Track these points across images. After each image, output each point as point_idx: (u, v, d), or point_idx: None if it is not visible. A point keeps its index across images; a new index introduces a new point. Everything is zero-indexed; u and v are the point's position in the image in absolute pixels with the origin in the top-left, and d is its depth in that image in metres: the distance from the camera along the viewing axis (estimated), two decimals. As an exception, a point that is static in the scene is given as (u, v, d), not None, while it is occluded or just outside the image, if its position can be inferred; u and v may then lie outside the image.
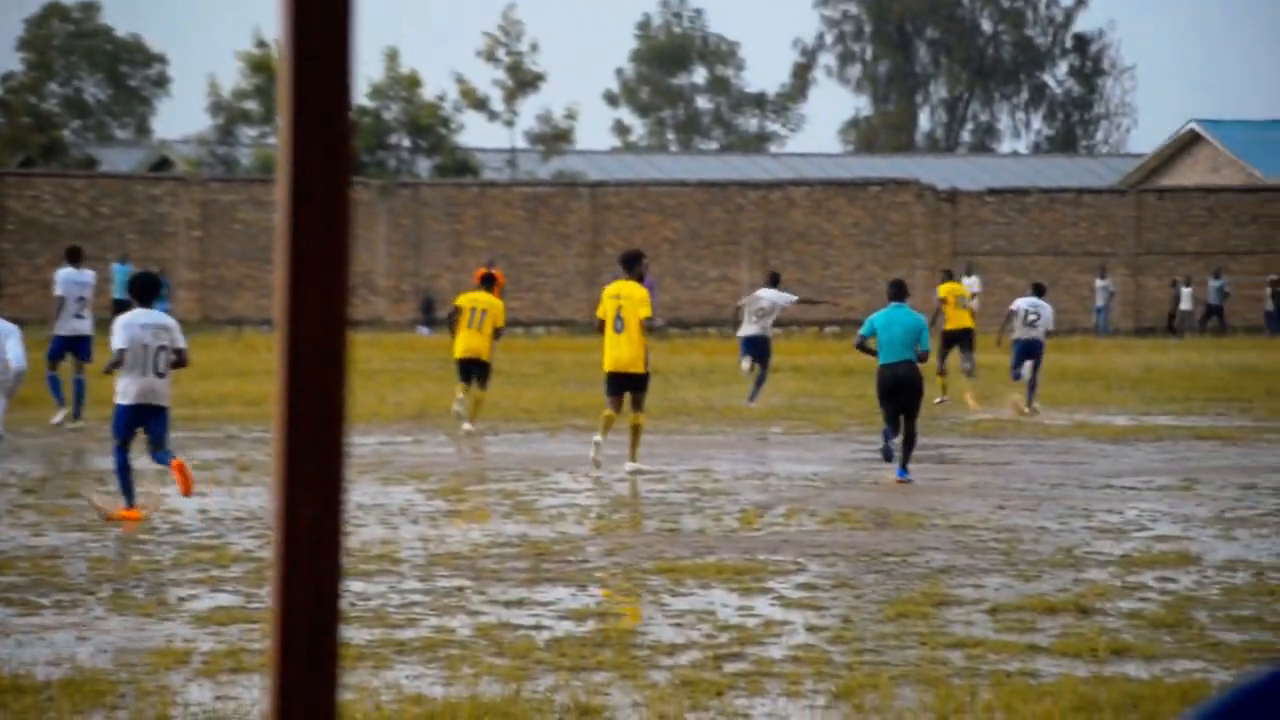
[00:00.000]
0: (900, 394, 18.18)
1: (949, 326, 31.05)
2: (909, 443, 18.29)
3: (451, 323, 24.63)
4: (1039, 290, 30.03)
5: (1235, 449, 21.99)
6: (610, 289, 19.42)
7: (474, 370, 24.28)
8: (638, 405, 19.26)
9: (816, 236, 58.74)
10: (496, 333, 24.46)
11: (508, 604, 11.51)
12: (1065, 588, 12.05)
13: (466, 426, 23.84)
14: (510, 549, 13.77)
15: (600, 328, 19.35)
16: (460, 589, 12.04)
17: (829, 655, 9.97)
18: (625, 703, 8.92)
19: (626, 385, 19.19)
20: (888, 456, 18.90)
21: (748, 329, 28.88)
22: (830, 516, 15.68)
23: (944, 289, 32.04)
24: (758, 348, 28.85)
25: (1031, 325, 28.65)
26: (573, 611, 11.23)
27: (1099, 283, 56.43)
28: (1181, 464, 20.28)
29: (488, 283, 25.15)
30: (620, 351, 19.09)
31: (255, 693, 9.08)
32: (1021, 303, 29.61)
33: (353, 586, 12.03)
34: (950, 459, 20.87)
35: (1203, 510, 16.23)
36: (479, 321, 24.31)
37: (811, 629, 10.71)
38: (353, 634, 10.47)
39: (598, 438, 19.25)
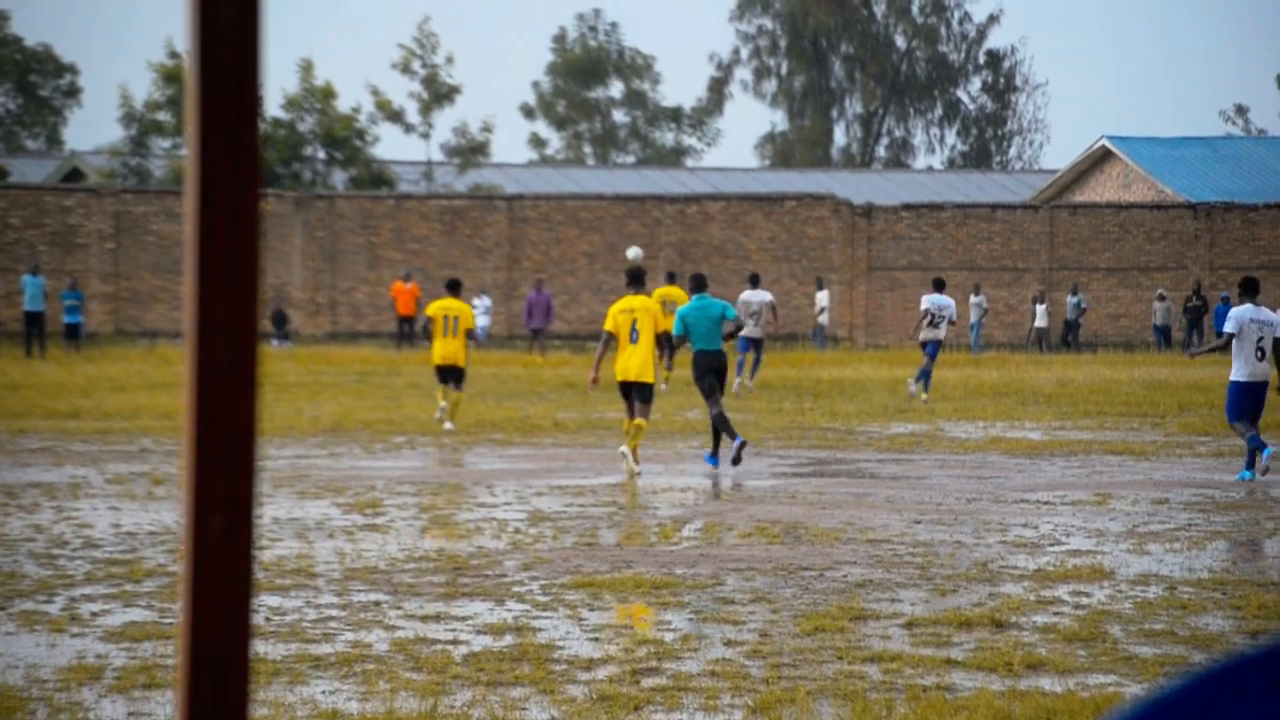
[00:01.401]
0: (712, 375, 21.15)
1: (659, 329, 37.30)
2: (722, 421, 20.93)
3: (427, 333, 26.56)
4: (940, 285, 33.13)
5: (1148, 463, 22.17)
6: (621, 303, 20.49)
7: (450, 374, 26.20)
8: (644, 413, 20.37)
9: (733, 251, 58.90)
10: (469, 335, 26.41)
11: (425, 619, 11.46)
12: (980, 602, 12.10)
13: (448, 426, 25.77)
14: (427, 563, 13.71)
15: (608, 340, 20.43)
16: (377, 603, 11.97)
17: (746, 669, 9.98)
18: (543, 718, 8.89)
19: (634, 392, 20.33)
20: (727, 437, 21.06)
21: (750, 332, 33.76)
22: (748, 531, 15.70)
23: (657, 293, 37.36)
24: (757, 347, 34.25)
25: (935, 326, 31.63)
26: (490, 626, 11.19)
27: (973, 299, 56.49)
28: (1095, 478, 20.42)
29: (454, 288, 27.22)
30: (632, 361, 20.29)
31: (168, 709, 8.99)
32: (930, 303, 32.02)
33: (268, 601, 11.95)
34: (866, 473, 20.95)
35: (1116, 525, 16.35)
36: (453, 328, 26.17)
37: (729, 643, 10.72)
38: (268, 649, 10.39)
39: (624, 449, 20.33)
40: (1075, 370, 42.26)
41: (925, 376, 31.92)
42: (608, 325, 20.41)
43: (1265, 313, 20.16)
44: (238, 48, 2.00)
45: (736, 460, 20.69)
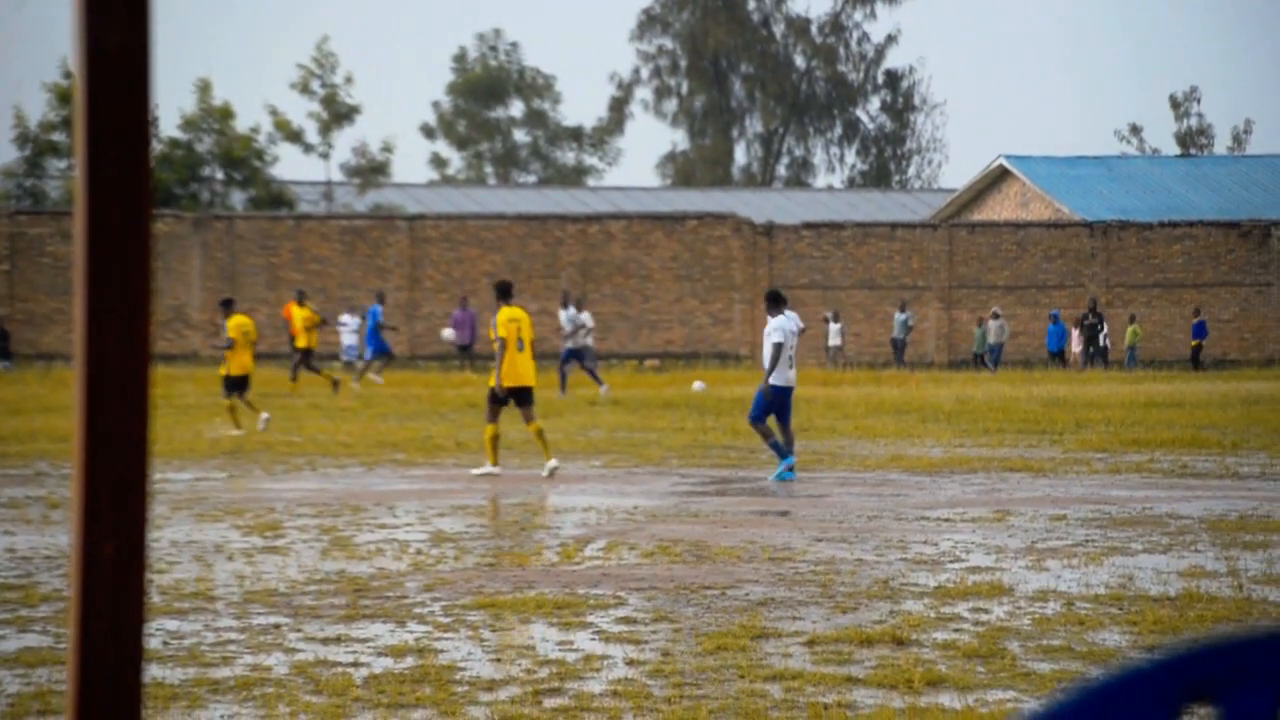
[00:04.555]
0: None
1: (299, 345, 41.40)
2: None
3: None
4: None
5: (1046, 480, 22.36)
6: (506, 314, 22.00)
7: (239, 384, 29.90)
8: (530, 417, 22.12)
9: (635, 270, 58.98)
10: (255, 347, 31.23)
11: (325, 641, 11.39)
12: (881, 619, 12.16)
13: (265, 416, 29.94)
14: (328, 585, 13.63)
15: (505, 345, 21.85)
16: (277, 626, 11.88)
17: (649, 689, 9.97)
18: (443, 740, 8.84)
19: (520, 397, 21.91)
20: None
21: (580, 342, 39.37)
22: (650, 550, 15.70)
23: (298, 314, 40.95)
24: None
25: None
26: (391, 648, 11.14)
27: (832, 326, 56.61)
28: (994, 495, 20.57)
29: (228, 305, 31.32)
30: (521, 368, 21.90)
31: (64, 736, 8.89)
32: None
33: (166, 625, 11.84)
34: (768, 492, 21.00)
35: (1014, 541, 16.47)
36: (247, 344, 30.00)
37: (631, 663, 10.71)
38: (166, 673, 10.30)
39: (489, 466, 22.12)
40: (974, 388, 42.57)
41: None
42: (501, 333, 21.91)
43: (796, 323, 22.19)
44: (127, 68, 1.98)
45: None
